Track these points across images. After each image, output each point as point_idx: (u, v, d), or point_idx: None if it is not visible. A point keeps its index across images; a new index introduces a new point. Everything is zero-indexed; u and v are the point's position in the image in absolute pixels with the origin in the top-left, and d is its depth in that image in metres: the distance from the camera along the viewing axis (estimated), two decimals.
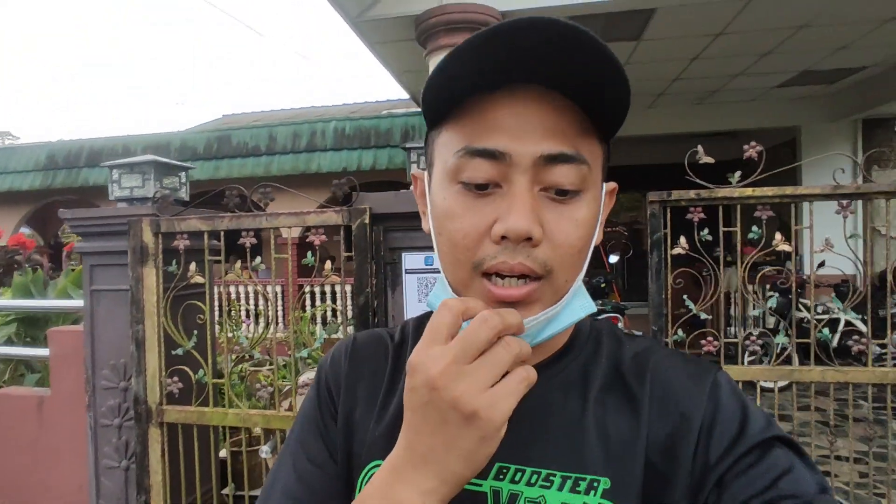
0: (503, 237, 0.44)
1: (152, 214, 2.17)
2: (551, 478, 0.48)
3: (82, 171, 7.78)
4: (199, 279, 2.08)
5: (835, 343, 4.82)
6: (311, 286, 5.82)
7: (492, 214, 0.45)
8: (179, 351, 2.09)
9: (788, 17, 3.77)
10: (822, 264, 2.26)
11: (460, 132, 0.47)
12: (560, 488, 0.47)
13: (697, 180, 2.33)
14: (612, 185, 0.55)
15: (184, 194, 2.53)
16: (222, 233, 2.05)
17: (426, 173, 0.55)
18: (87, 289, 2.35)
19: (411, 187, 0.60)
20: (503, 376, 0.39)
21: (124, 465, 2.27)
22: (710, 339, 2.35)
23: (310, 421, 0.59)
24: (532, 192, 0.45)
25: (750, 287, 2.32)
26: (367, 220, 1.86)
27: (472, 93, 0.46)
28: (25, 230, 9.55)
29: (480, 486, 0.49)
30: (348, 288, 5.38)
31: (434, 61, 2.98)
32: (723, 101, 6.33)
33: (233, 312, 4.64)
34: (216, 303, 2.35)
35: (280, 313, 5.93)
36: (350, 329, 2.46)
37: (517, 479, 0.48)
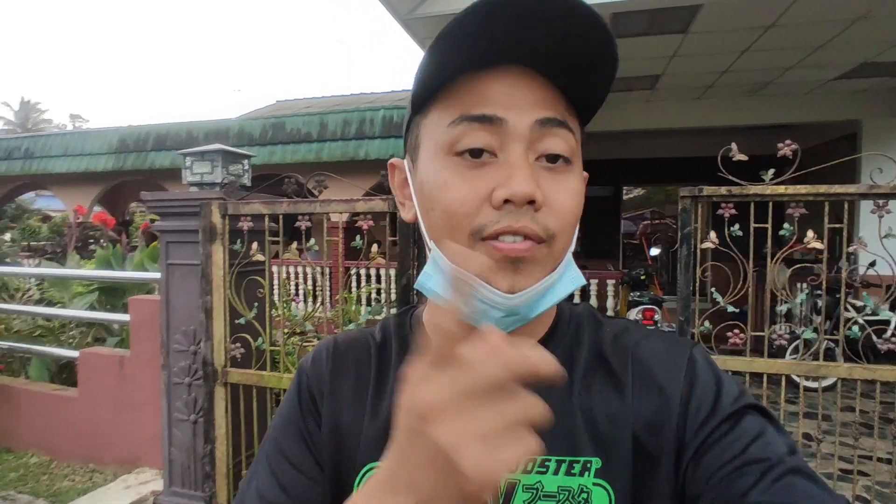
0: (506, 201, 0.44)
1: (220, 198, 2.43)
2: (546, 463, 0.49)
3: (150, 155, 8.33)
4: (259, 257, 2.32)
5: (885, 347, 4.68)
6: (358, 268, 6.10)
7: (490, 183, 0.45)
8: (241, 320, 2.35)
9: (842, 9, 3.68)
10: (872, 264, 2.26)
11: (452, 107, 0.47)
12: (556, 472, 0.48)
13: (729, 176, 2.39)
14: (585, 174, 0.56)
15: (246, 180, 2.79)
16: (281, 216, 2.29)
17: (407, 160, 0.54)
18: (164, 263, 2.64)
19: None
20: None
21: (193, 419, 2.57)
22: (736, 331, 2.43)
23: (290, 424, 0.58)
24: (528, 160, 0.46)
25: (791, 285, 2.37)
26: None
27: (463, 71, 0.46)
28: (97, 209, 10.29)
29: None
30: (392, 271, 5.63)
31: None
32: (776, 94, 6.15)
33: (285, 290, 4.96)
34: (273, 280, 2.60)
35: (328, 293, 6.26)
36: (393, 310, 2.67)
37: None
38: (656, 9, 3.29)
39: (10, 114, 40.07)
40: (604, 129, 6.76)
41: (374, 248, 2.17)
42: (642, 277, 5.68)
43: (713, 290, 2.59)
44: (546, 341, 0.55)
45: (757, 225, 2.37)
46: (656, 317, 4.87)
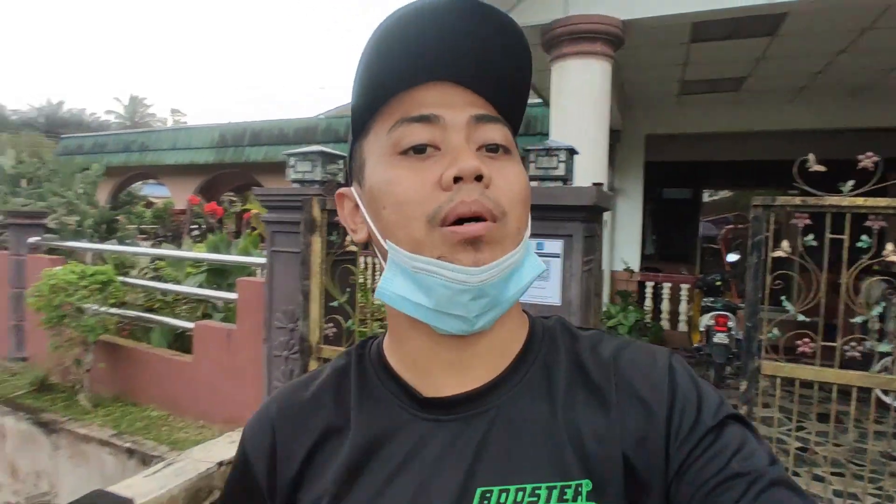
0: (456, 179, 0.45)
1: (319, 194, 2.75)
2: (537, 491, 0.46)
3: (246, 149, 9.07)
4: (352, 248, 2.62)
5: None
6: None
7: (437, 171, 0.46)
8: (335, 303, 2.66)
9: None
10: None
11: (390, 118, 0.48)
12: (547, 500, 0.46)
13: (805, 186, 2.41)
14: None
15: (341, 178, 3.11)
16: None
17: (354, 186, 0.55)
18: (269, 250, 3.01)
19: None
20: None
21: None
22: (806, 340, 2.46)
23: None
24: (471, 147, 0.47)
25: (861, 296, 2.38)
26: None
27: (395, 91, 0.49)
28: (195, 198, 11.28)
29: None
30: None
31: (558, 67, 3.26)
32: (881, 97, 5.78)
33: (373, 278, 5.33)
34: (363, 268, 2.90)
35: None
36: None
37: (503, 500, 0.46)
38: (739, 17, 3.28)
39: (121, 108, 44.03)
40: (686, 130, 6.64)
41: None
42: (718, 283, 5.55)
43: (783, 298, 2.62)
44: (523, 356, 0.53)
45: (833, 235, 2.39)
46: (730, 323, 4.77)
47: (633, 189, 7.00)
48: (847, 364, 2.42)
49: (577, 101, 3.14)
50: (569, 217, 2.12)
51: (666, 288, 6.61)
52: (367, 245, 0.54)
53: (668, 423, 0.47)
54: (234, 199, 12.22)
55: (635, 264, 7.03)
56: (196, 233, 7.42)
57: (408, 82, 0.48)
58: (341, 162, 3.12)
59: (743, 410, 2.48)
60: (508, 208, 0.47)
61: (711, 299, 5.34)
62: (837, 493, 2.94)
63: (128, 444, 3.22)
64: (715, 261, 8.55)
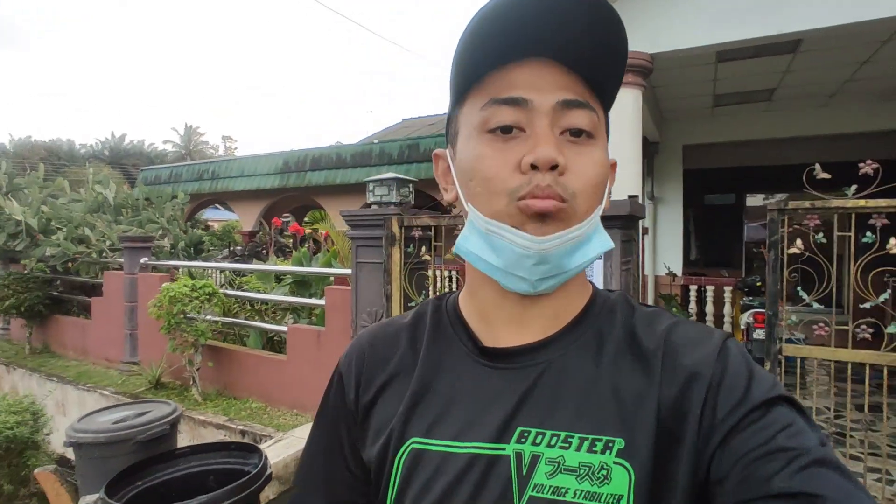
0: (533, 166, 0.49)
1: (398, 213, 3.32)
2: (570, 439, 0.50)
3: (307, 174, 9.87)
4: (426, 257, 3.17)
5: None
6: None
7: (519, 153, 0.50)
8: (412, 303, 3.21)
9: None
10: None
11: (484, 94, 0.52)
12: (578, 449, 0.49)
13: (813, 192, 2.82)
14: (614, 160, 0.59)
15: (411, 199, 3.69)
16: (443, 227, 3.12)
17: (449, 149, 0.59)
18: (354, 261, 3.61)
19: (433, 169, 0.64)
20: None
21: None
22: (822, 324, 2.85)
23: (327, 433, 0.64)
24: (553, 132, 0.50)
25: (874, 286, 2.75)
26: None
27: (491, 65, 0.51)
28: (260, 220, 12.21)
29: (504, 449, 0.51)
30: None
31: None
32: None
33: (443, 284, 5.91)
34: (436, 274, 3.46)
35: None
36: None
37: (538, 441, 0.50)
38: (759, 45, 3.67)
39: (177, 137, 46.82)
40: (722, 139, 6.93)
41: None
42: (758, 284, 5.82)
43: (799, 288, 3.02)
44: (580, 320, 0.57)
45: (840, 233, 2.78)
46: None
47: (672, 197, 7.31)
48: (859, 345, 2.78)
49: (614, 126, 3.61)
50: (608, 225, 2.57)
51: (709, 291, 6.88)
52: (452, 206, 0.61)
53: (714, 395, 0.48)
54: (290, 219, 13.08)
55: (678, 269, 7.31)
56: (288, 249, 8.17)
57: (501, 59, 0.51)
58: (411, 186, 3.70)
59: None
60: (579, 192, 0.50)
61: (749, 298, 5.62)
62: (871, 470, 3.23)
63: (240, 427, 3.86)
64: (761, 263, 8.67)
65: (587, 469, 0.49)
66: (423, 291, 3.19)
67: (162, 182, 12.16)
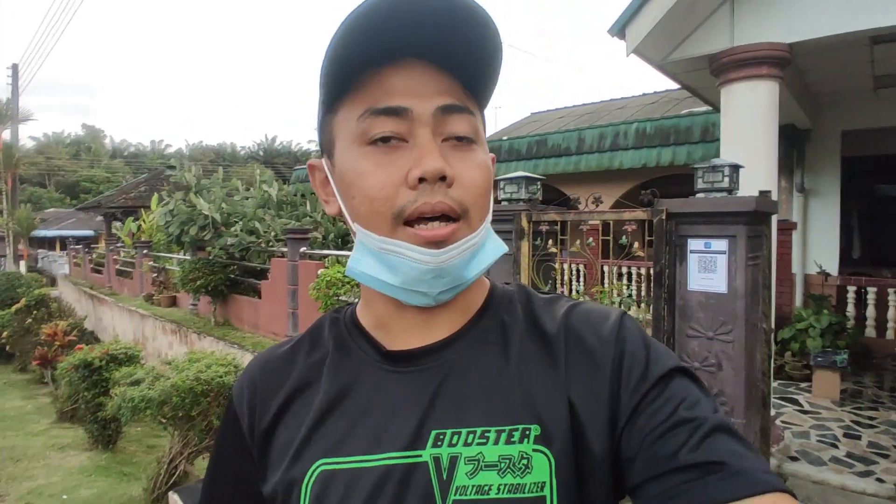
0: (421, 179, 0.48)
1: (526, 209, 3.60)
2: (486, 434, 0.50)
3: None
4: (553, 250, 3.42)
5: None
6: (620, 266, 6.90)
7: (404, 167, 0.49)
8: (542, 292, 3.47)
9: None
10: None
11: (360, 102, 0.50)
12: (496, 442, 0.49)
13: None
14: (492, 155, 0.59)
15: (539, 196, 3.94)
16: (569, 222, 3.34)
17: (325, 159, 0.57)
18: None
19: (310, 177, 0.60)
20: None
21: None
22: None
23: (222, 470, 0.62)
24: (436, 141, 0.50)
25: None
26: (664, 217, 2.88)
27: (365, 68, 0.49)
28: None
29: (420, 455, 0.50)
30: (643, 270, 6.30)
31: (725, 90, 3.68)
32: None
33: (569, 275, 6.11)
34: (562, 266, 3.69)
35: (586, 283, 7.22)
36: (639, 310, 3.37)
37: (454, 441, 0.50)
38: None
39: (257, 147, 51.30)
40: (891, 123, 6.20)
41: (636, 244, 3.06)
42: None
43: None
44: (481, 314, 0.57)
45: None
46: None
47: (827, 188, 6.69)
48: None
49: (745, 119, 3.52)
50: (732, 221, 2.66)
51: (870, 293, 6.22)
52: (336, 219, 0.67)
53: (615, 375, 0.50)
54: None
55: (833, 268, 6.69)
56: None
57: (375, 60, 0.49)
58: (539, 183, 3.95)
59: None
60: (470, 205, 0.50)
61: None
62: None
63: None
64: None
65: (507, 461, 0.49)
66: (550, 281, 3.44)
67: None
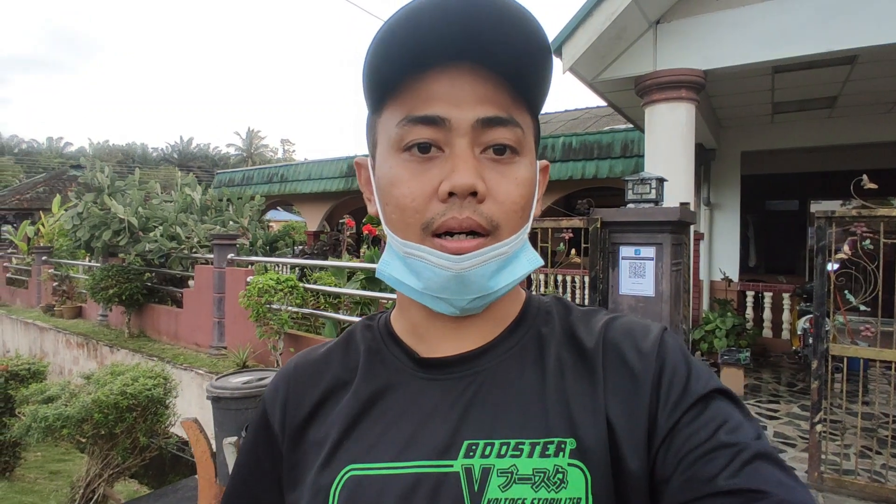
0: (450, 194, 0.47)
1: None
2: (520, 446, 0.49)
3: None
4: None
5: None
6: (556, 274, 7.17)
7: (437, 177, 0.48)
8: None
9: None
10: None
11: (400, 107, 0.49)
12: (530, 455, 0.48)
13: (859, 199, 3.01)
14: (545, 162, 0.57)
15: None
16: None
17: (369, 159, 0.57)
18: None
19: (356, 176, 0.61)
20: None
21: None
22: (868, 325, 3.03)
23: (251, 470, 0.60)
24: (473, 153, 0.48)
25: None
26: (598, 226, 3.07)
27: (407, 72, 0.48)
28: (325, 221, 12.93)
29: (451, 465, 0.49)
30: (577, 279, 6.60)
31: (649, 110, 4.00)
32: None
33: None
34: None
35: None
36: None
37: (487, 453, 0.49)
38: (813, 60, 3.79)
39: (240, 141, 49.11)
40: (783, 146, 6.94)
41: (573, 252, 3.23)
42: None
43: (846, 292, 3.20)
44: (517, 324, 0.56)
45: (886, 240, 2.95)
46: None
47: (729, 203, 7.35)
48: None
49: (666, 137, 3.86)
50: (659, 230, 2.89)
51: (767, 297, 6.89)
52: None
53: (654, 391, 0.49)
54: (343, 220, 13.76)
55: (734, 274, 7.34)
56: (363, 248, 8.74)
57: (417, 65, 0.48)
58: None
59: (814, 386, 3.06)
60: (502, 221, 0.49)
61: (808, 304, 5.66)
62: None
63: None
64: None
65: (542, 475, 0.47)
66: None
67: (235, 185, 13.10)
